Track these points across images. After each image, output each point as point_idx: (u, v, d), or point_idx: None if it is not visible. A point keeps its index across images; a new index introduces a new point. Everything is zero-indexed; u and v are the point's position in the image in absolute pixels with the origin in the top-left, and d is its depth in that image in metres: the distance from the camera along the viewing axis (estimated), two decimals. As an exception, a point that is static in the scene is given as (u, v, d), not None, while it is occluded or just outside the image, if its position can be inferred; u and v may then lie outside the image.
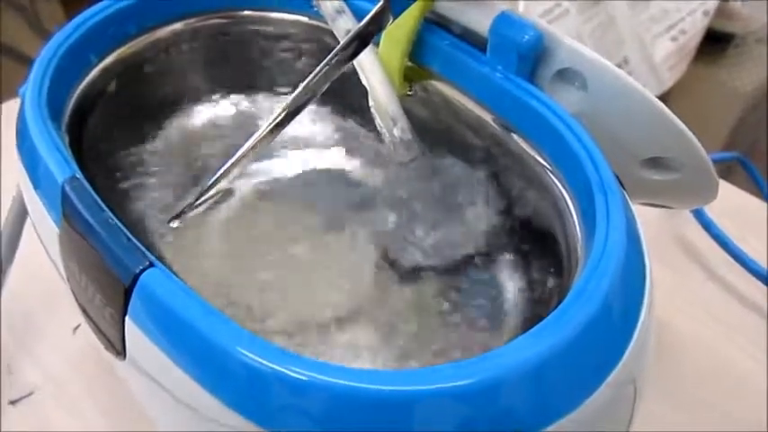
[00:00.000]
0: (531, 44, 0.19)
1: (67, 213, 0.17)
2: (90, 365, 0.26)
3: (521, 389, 0.13)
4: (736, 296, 0.31)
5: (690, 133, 0.19)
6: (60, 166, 0.18)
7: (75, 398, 0.26)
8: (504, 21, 0.19)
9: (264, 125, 0.20)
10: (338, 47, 0.19)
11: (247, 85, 0.26)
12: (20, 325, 0.28)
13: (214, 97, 0.26)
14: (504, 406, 0.13)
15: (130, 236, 0.16)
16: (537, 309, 0.20)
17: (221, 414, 0.14)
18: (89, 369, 0.26)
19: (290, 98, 0.20)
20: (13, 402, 0.25)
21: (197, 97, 0.26)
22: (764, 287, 0.30)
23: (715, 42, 0.69)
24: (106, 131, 0.23)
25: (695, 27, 0.60)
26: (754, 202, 0.36)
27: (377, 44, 0.22)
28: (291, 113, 0.20)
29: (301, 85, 0.20)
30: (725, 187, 0.36)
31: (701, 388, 0.27)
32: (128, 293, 0.15)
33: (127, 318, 0.16)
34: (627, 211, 0.17)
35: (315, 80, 0.19)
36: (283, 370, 0.13)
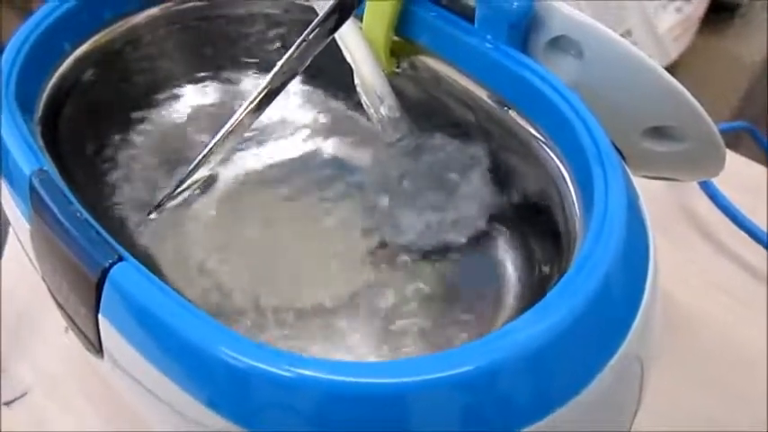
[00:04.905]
0: (522, 12, 0.18)
1: (36, 207, 0.16)
2: (84, 364, 0.26)
3: (522, 373, 0.13)
4: (745, 269, 0.30)
5: (694, 100, 0.18)
6: (28, 158, 0.17)
7: (70, 397, 0.25)
8: (492, -12, 0.18)
9: (242, 107, 0.20)
10: (317, 19, 0.18)
11: (230, 70, 0.26)
12: (12, 324, 0.27)
13: (195, 83, 0.25)
14: (506, 393, 0.13)
15: (100, 229, 0.15)
16: (536, 288, 0.19)
17: (203, 415, 0.13)
18: (83, 367, 0.26)
19: (268, 77, 0.19)
20: (7, 404, 0.25)
21: (177, 84, 0.25)
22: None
23: (721, 12, 0.67)
24: (84, 122, 0.22)
25: (700, -4, 0.59)
26: (762, 172, 0.35)
27: (361, 18, 0.21)
28: (270, 94, 0.19)
29: (279, 63, 0.19)
30: (733, 157, 0.35)
31: (708, 363, 0.26)
32: (98, 289, 0.15)
33: (100, 315, 0.15)
34: (627, 182, 0.16)
35: (293, 57, 0.19)
36: (266, 367, 0.13)
